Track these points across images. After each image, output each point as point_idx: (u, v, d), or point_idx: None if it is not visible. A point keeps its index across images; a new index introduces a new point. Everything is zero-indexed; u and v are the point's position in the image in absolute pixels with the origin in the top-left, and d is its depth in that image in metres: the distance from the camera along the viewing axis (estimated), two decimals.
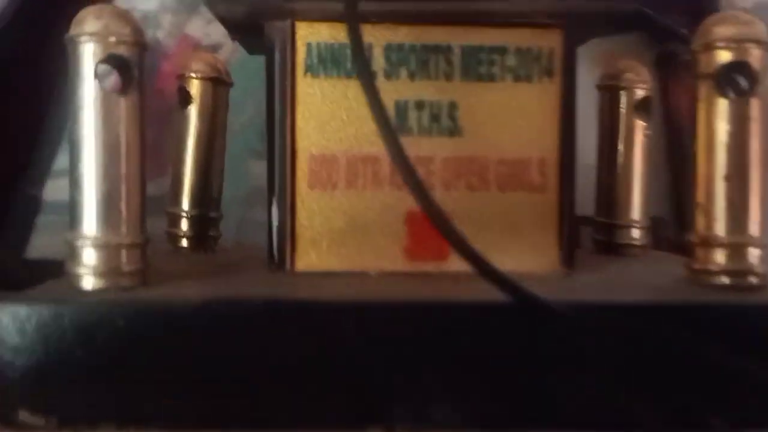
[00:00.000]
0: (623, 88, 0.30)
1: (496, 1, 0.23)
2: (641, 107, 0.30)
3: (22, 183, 0.43)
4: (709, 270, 0.22)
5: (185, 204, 0.30)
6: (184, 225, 0.30)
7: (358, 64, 0.21)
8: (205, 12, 0.47)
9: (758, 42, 0.21)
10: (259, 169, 0.42)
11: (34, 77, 0.46)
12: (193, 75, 0.30)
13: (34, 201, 0.43)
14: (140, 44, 0.21)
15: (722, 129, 0.21)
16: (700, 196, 0.22)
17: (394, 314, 0.20)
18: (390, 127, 0.20)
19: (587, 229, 0.32)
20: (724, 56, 0.21)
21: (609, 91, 0.30)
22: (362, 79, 0.20)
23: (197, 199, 0.30)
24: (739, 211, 0.21)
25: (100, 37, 0.21)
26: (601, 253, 0.30)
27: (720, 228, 0.21)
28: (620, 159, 0.30)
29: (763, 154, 0.21)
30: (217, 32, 0.46)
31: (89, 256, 0.21)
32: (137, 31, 0.21)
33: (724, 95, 0.21)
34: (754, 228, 0.21)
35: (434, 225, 0.19)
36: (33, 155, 0.44)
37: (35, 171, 0.44)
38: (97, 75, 0.21)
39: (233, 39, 0.27)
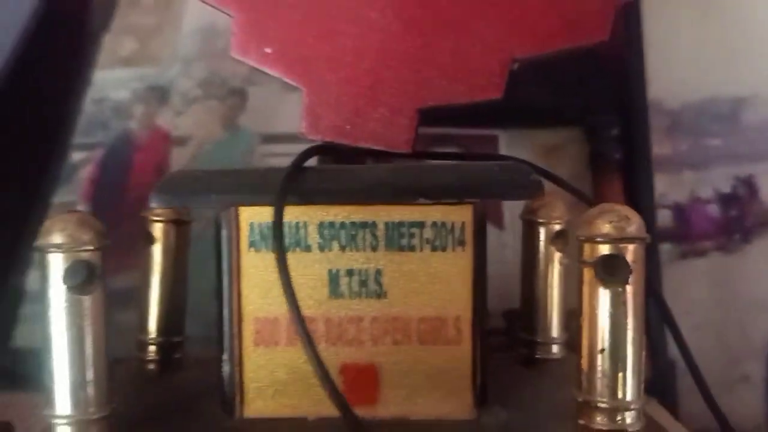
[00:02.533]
0: (541, 223, 0.34)
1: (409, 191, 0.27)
2: (558, 239, 0.34)
3: (8, 274, 0.47)
4: (591, 427, 0.26)
5: (152, 332, 0.33)
6: (152, 350, 0.33)
7: (274, 237, 0.24)
8: (175, 103, 0.50)
9: (633, 238, 0.25)
10: None
11: (22, 167, 0.49)
12: (156, 218, 0.33)
13: (17, 292, 0.47)
14: (102, 247, 0.25)
15: (602, 310, 0.25)
16: (584, 364, 0.26)
17: None
18: (291, 290, 0.23)
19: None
20: (603, 249, 0.25)
21: (529, 223, 0.34)
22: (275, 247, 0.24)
23: (162, 328, 0.33)
24: (614, 380, 0.25)
25: (65, 247, 0.24)
26: (523, 364, 0.34)
27: (599, 393, 0.25)
28: (540, 283, 0.34)
29: (637, 332, 0.25)
30: (185, 124, 0.49)
31: None
32: (99, 236, 0.25)
33: (602, 284, 0.25)
34: (628, 393, 0.25)
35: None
36: (18, 246, 0.47)
37: (19, 261, 0.47)
38: (64, 280, 0.24)
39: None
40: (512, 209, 0.42)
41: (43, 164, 0.49)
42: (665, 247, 0.41)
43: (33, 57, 0.50)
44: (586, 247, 0.25)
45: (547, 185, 0.33)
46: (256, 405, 0.28)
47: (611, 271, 0.25)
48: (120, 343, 0.28)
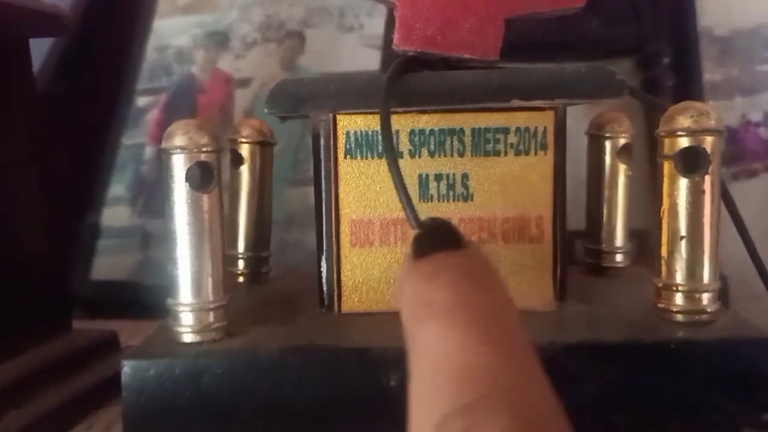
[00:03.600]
0: (608, 137, 0.35)
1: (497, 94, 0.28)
2: (623, 153, 0.35)
3: (84, 212, 0.49)
4: (670, 309, 0.28)
5: (241, 247, 0.36)
6: (241, 264, 0.36)
7: (384, 144, 0.26)
8: (235, 47, 0.52)
9: (711, 131, 0.27)
10: (292, 195, 0.47)
11: (94, 109, 0.51)
12: (243, 140, 0.35)
13: (94, 228, 0.49)
14: (217, 150, 0.27)
15: (681, 200, 0.27)
16: (664, 251, 0.28)
17: None
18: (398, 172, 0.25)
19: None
20: (683, 142, 0.27)
21: (596, 138, 0.36)
22: (386, 153, 0.25)
23: (251, 243, 0.36)
24: (693, 264, 0.27)
25: (186, 148, 0.26)
26: (590, 273, 0.36)
27: (678, 277, 0.27)
28: (605, 195, 0.36)
29: (714, 219, 0.27)
30: (246, 67, 0.51)
31: (186, 318, 0.27)
32: (214, 140, 0.27)
33: (683, 174, 0.27)
34: (706, 277, 0.27)
35: None
36: (92, 185, 0.50)
37: (94, 200, 0.50)
38: (186, 178, 0.26)
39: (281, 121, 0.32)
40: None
41: (111, 109, 0.51)
42: None
43: (95, 6, 0.52)
44: (667, 141, 0.27)
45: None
46: (352, 301, 0.30)
47: (691, 162, 0.27)
48: None
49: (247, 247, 0.36)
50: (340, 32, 0.50)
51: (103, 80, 0.51)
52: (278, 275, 0.38)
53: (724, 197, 0.33)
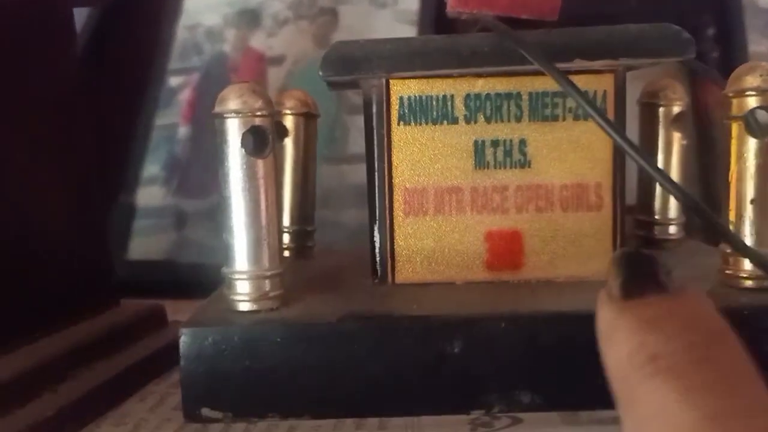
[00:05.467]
0: (661, 105, 0.34)
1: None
2: (678, 121, 0.34)
3: (119, 192, 0.49)
4: (738, 275, 0.27)
5: (286, 221, 0.35)
6: (286, 238, 0.35)
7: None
8: (267, 25, 0.51)
9: None
10: (328, 172, 0.47)
11: (126, 86, 0.51)
12: (288, 111, 0.34)
13: (129, 208, 0.49)
14: (272, 114, 0.26)
15: (750, 162, 0.26)
16: (732, 215, 0.27)
17: (488, 325, 0.25)
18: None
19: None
20: (752, 102, 0.26)
21: (649, 107, 0.35)
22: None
23: (296, 216, 0.35)
24: (764, 228, 0.26)
25: (241, 113, 0.26)
26: (643, 244, 0.35)
27: (748, 242, 0.26)
28: (660, 165, 0.35)
29: None
30: (279, 44, 0.51)
31: (242, 286, 0.26)
32: (269, 104, 0.26)
33: (752, 134, 0.26)
34: None
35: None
36: (127, 165, 0.49)
37: (128, 180, 0.49)
38: (242, 143, 0.26)
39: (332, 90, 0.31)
40: None
41: (143, 88, 0.51)
42: None
43: None
44: (735, 102, 0.26)
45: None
46: (407, 271, 0.30)
47: (760, 122, 0.26)
48: None
49: (292, 221, 0.35)
50: (374, 7, 0.49)
51: (135, 59, 0.51)
52: (322, 251, 0.38)
53: None
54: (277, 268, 0.27)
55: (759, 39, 0.44)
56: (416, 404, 0.25)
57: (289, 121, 0.35)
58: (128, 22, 0.52)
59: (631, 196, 0.36)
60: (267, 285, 0.26)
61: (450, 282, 0.30)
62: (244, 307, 0.26)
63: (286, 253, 0.35)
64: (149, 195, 0.48)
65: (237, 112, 0.26)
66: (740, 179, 0.26)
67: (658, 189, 0.35)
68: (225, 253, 0.26)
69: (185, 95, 0.50)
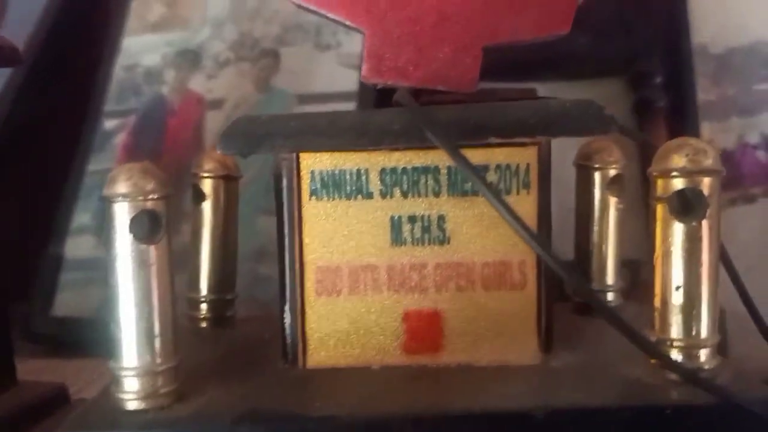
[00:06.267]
0: (596, 168, 0.33)
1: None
2: (614, 184, 0.33)
3: (46, 242, 0.47)
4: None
5: (203, 290, 0.33)
6: (204, 308, 0.33)
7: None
8: (207, 67, 0.49)
9: (709, 171, 0.24)
10: (265, 223, 0.45)
11: (59, 130, 0.49)
12: (206, 174, 0.33)
13: (56, 259, 0.47)
14: (165, 196, 0.24)
15: (677, 246, 0.25)
16: (657, 302, 0.25)
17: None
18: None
19: None
20: (678, 183, 0.24)
21: (584, 169, 0.33)
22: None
23: (214, 285, 0.33)
24: (690, 317, 0.25)
25: (131, 196, 0.24)
26: (579, 313, 0.34)
27: (674, 331, 0.25)
28: (595, 230, 0.33)
29: (713, 268, 0.25)
30: (219, 87, 0.49)
31: (131, 384, 0.24)
32: (162, 185, 0.24)
33: (678, 218, 0.24)
34: (703, 330, 0.25)
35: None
36: (55, 214, 0.47)
37: (57, 229, 0.47)
38: (130, 229, 0.24)
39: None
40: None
41: (77, 133, 0.49)
42: None
43: (61, 26, 0.50)
44: (660, 182, 0.25)
45: None
46: (319, 355, 0.28)
47: (687, 205, 0.24)
48: None
49: (210, 290, 0.33)
50: (318, 51, 0.47)
51: (69, 103, 0.49)
52: (245, 317, 0.36)
53: None
54: (170, 361, 0.25)
55: (709, 87, 0.43)
56: None
57: (207, 185, 0.33)
58: (65, 64, 0.50)
59: None
60: (158, 381, 0.24)
61: (366, 366, 0.28)
62: (132, 406, 0.24)
63: (204, 324, 0.33)
64: (79, 245, 0.46)
65: (126, 195, 0.24)
66: (666, 264, 0.25)
67: (596, 254, 0.34)
68: (113, 346, 0.25)
69: (121, 139, 0.49)
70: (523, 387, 0.25)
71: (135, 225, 0.24)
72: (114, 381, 0.25)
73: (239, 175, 0.34)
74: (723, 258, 0.29)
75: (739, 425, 0.24)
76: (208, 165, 0.33)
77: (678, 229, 0.25)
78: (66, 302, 0.45)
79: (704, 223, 0.24)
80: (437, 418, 0.24)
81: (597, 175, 0.33)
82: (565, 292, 0.36)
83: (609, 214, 0.33)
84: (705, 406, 0.24)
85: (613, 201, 0.33)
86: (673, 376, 0.25)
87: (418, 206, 0.27)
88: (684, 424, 0.24)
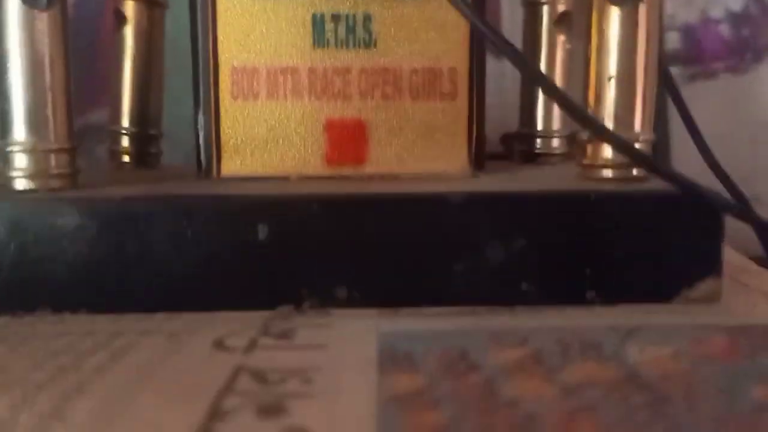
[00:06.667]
0: (544, 3, 0.31)
1: None
2: (561, 22, 0.31)
3: None
4: (597, 164, 0.24)
5: (125, 122, 0.31)
6: (125, 142, 0.31)
7: None
8: None
9: None
10: None
11: None
12: None
13: None
14: None
15: (612, 33, 0.23)
16: (590, 97, 0.24)
17: (299, 207, 0.22)
18: None
19: None
20: None
21: (531, 6, 0.32)
22: None
23: (136, 117, 0.31)
24: (624, 110, 0.23)
25: None
26: (523, 162, 0.32)
27: (606, 125, 0.23)
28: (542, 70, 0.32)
29: (651, 58, 0.23)
30: None
31: (20, 161, 0.22)
32: None
33: (614, 3, 0.23)
34: (637, 124, 0.23)
35: None
36: None
37: None
38: None
39: None
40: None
41: None
42: (674, 71, 0.39)
43: None
44: None
45: None
46: (234, 163, 0.26)
47: None
48: None
49: (132, 122, 0.31)
50: None
51: None
52: (175, 162, 0.34)
53: (677, 101, 0.30)
54: (65, 143, 0.23)
55: None
56: (215, 299, 0.22)
57: (129, 8, 0.31)
58: None
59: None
60: (50, 160, 0.23)
61: (284, 177, 0.26)
62: (20, 185, 0.22)
63: (125, 159, 0.31)
64: None
65: None
66: (600, 54, 0.23)
67: (542, 98, 0.32)
68: (1, 122, 0.23)
69: None
70: (444, 186, 0.24)
71: None
72: (3, 159, 0.23)
73: (165, 3, 0.32)
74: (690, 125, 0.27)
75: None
76: None
77: (614, 13, 0.23)
78: None
79: (641, 9, 0.23)
80: (339, 199, 0.22)
81: (545, 12, 0.31)
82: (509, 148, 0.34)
83: (557, 54, 0.32)
84: (625, 194, 0.22)
85: (560, 39, 0.31)
86: (605, 174, 0.23)
87: (343, 4, 0.25)
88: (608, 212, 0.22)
